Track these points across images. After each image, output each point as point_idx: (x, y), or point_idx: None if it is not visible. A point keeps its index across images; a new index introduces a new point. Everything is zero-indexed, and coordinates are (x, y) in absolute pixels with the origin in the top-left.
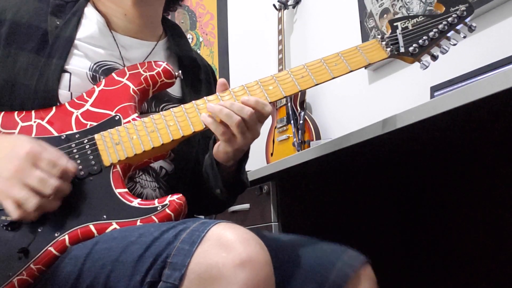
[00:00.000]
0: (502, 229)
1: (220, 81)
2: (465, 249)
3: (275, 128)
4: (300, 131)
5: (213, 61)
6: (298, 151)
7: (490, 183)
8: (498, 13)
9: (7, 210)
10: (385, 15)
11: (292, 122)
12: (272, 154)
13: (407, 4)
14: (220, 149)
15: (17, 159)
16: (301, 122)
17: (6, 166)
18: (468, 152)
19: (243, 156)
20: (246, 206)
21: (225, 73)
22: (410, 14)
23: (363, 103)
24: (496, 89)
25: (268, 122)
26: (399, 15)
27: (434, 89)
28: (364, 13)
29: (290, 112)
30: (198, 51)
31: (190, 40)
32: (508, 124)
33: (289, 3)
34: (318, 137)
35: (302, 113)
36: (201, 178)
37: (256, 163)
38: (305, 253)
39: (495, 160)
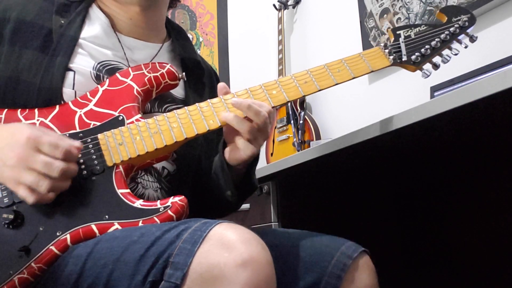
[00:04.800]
0: (500, 226)
1: (220, 85)
2: (463, 247)
3: (275, 128)
4: (300, 131)
5: (213, 61)
6: (298, 151)
7: (490, 182)
8: (498, 13)
9: (22, 197)
10: (385, 15)
11: (292, 122)
12: (272, 154)
13: (407, 4)
14: (234, 155)
15: (18, 146)
16: (301, 122)
17: (9, 154)
18: (468, 152)
19: (253, 158)
20: (246, 206)
21: (225, 73)
22: (411, 23)
23: (363, 103)
24: (496, 89)
25: None
26: (399, 15)
27: (434, 89)
28: (364, 13)
29: (290, 112)
30: (198, 51)
31: None
32: (508, 124)
33: (289, 3)
34: (318, 137)
35: (302, 113)
36: (207, 180)
37: None
38: (304, 246)
39: (495, 160)
